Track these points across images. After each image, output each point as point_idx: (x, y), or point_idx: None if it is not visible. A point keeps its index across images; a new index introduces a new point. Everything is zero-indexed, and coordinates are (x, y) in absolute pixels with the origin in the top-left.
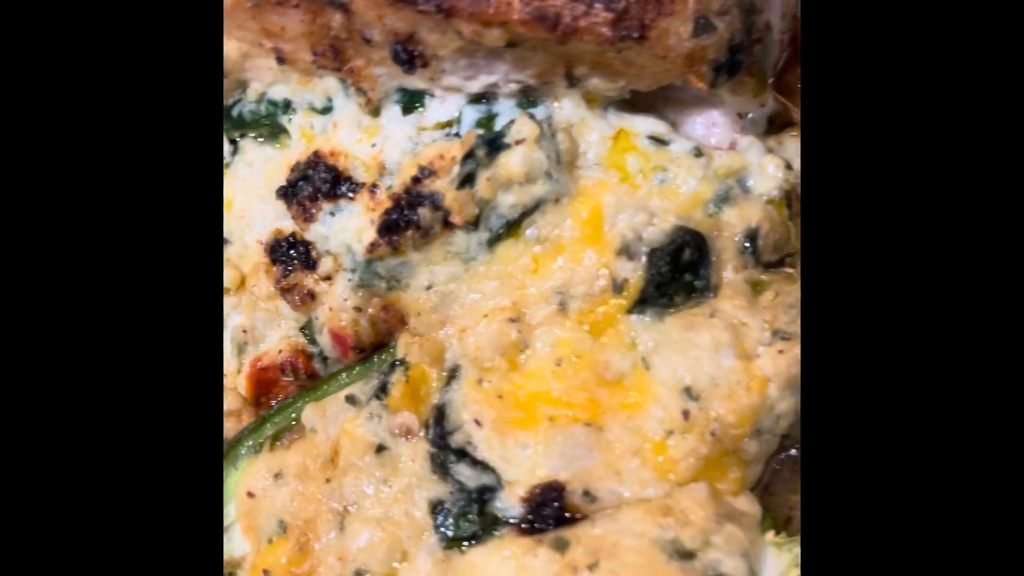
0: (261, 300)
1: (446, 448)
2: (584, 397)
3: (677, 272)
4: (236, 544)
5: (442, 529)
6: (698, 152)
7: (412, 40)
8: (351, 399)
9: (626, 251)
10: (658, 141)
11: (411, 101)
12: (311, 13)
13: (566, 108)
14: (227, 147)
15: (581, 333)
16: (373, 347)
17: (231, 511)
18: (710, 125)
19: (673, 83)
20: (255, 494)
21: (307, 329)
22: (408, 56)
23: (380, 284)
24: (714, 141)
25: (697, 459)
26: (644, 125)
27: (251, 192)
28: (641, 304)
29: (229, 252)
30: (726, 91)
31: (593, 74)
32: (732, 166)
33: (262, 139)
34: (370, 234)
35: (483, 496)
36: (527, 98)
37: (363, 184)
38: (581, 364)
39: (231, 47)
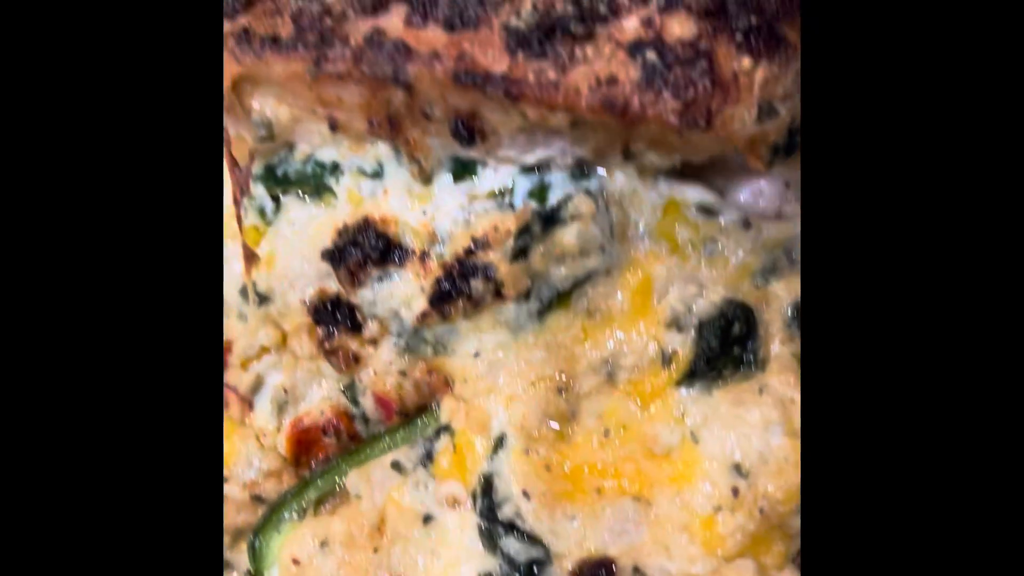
0: (303, 360)
1: (495, 521)
2: (632, 469)
3: (726, 346)
4: None
5: None
6: (747, 223)
7: (473, 117)
8: (396, 466)
9: (676, 323)
10: (707, 212)
11: (463, 170)
12: (371, 88)
13: (619, 180)
14: (269, 204)
15: (629, 404)
16: (416, 409)
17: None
18: (757, 193)
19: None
20: (300, 561)
21: (349, 390)
22: (468, 132)
23: (426, 349)
24: (761, 207)
25: (745, 536)
26: (694, 195)
27: (294, 251)
28: (690, 377)
29: (269, 310)
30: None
31: (650, 150)
32: (779, 237)
33: (306, 196)
34: (420, 302)
35: (531, 570)
36: (580, 170)
37: (413, 252)
38: (629, 435)
39: (282, 111)
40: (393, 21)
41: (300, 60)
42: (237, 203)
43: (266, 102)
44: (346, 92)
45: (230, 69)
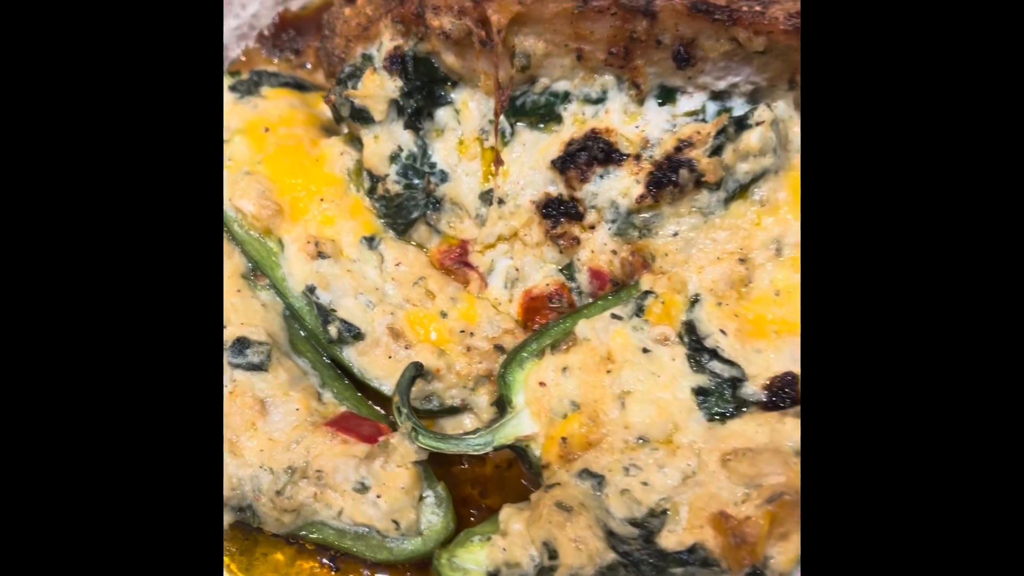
0: (530, 247)
1: (701, 350)
2: (798, 319)
3: None
4: (525, 425)
5: (705, 407)
6: None
7: (692, 45)
8: (615, 316)
9: None
10: None
11: (667, 96)
12: (622, 19)
13: (780, 107)
14: (508, 128)
15: (793, 272)
16: (619, 285)
17: (520, 400)
18: None
19: None
20: (546, 384)
21: (567, 269)
22: (687, 57)
23: (634, 232)
24: None
25: None
26: None
27: (524, 164)
28: None
29: (503, 210)
30: None
31: None
32: None
33: (530, 126)
34: (638, 189)
35: (733, 384)
36: (752, 99)
37: (628, 155)
38: (795, 294)
39: (539, 47)
40: None
41: (570, 0)
42: (497, 116)
43: (527, 39)
44: (599, 25)
45: (507, 11)
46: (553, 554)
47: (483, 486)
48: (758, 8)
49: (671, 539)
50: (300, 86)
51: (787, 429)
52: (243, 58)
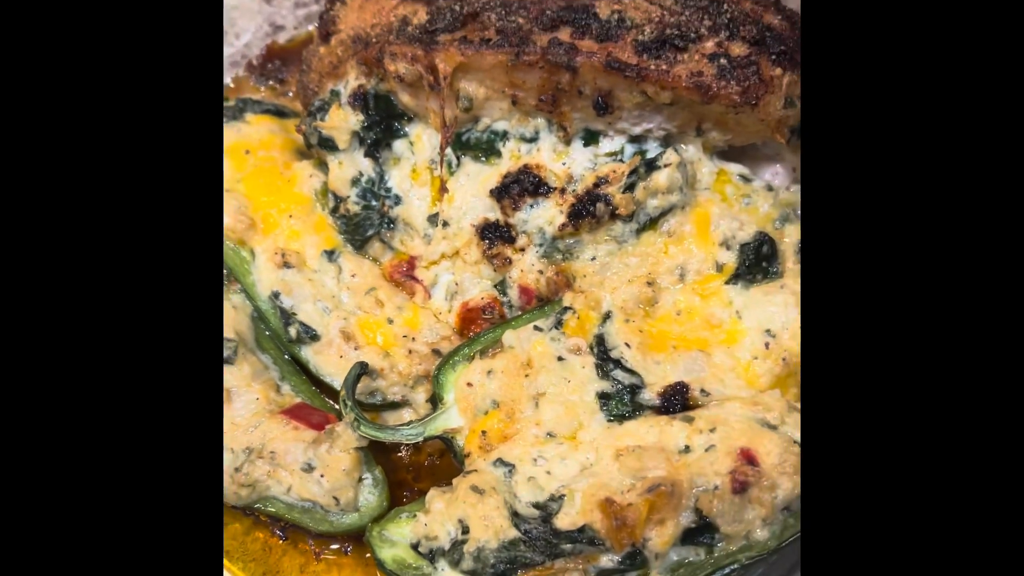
0: (469, 264)
1: (607, 360)
2: (695, 336)
3: (758, 261)
4: (453, 419)
5: (606, 409)
6: (769, 188)
7: (609, 95)
8: (537, 328)
9: (725, 244)
10: (744, 178)
11: (590, 138)
12: (548, 72)
13: (689, 151)
14: (455, 160)
15: (693, 295)
16: (546, 299)
17: (450, 398)
18: (775, 173)
19: (755, 143)
20: (473, 384)
21: (500, 285)
22: (605, 106)
23: (558, 255)
24: (777, 184)
25: (773, 376)
26: (735, 168)
27: (467, 192)
28: (735, 278)
29: (447, 231)
30: (789, 151)
31: (714, 129)
32: (789, 200)
33: (474, 159)
34: (561, 219)
35: (632, 390)
36: (665, 142)
37: (555, 188)
38: (693, 315)
39: (480, 92)
40: (563, 34)
41: (505, 53)
42: (442, 149)
43: (470, 85)
44: (530, 76)
45: (452, 61)
46: (465, 529)
47: (417, 472)
48: (664, 67)
49: (565, 520)
50: (281, 113)
51: (674, 430)
52: (231, 84)
